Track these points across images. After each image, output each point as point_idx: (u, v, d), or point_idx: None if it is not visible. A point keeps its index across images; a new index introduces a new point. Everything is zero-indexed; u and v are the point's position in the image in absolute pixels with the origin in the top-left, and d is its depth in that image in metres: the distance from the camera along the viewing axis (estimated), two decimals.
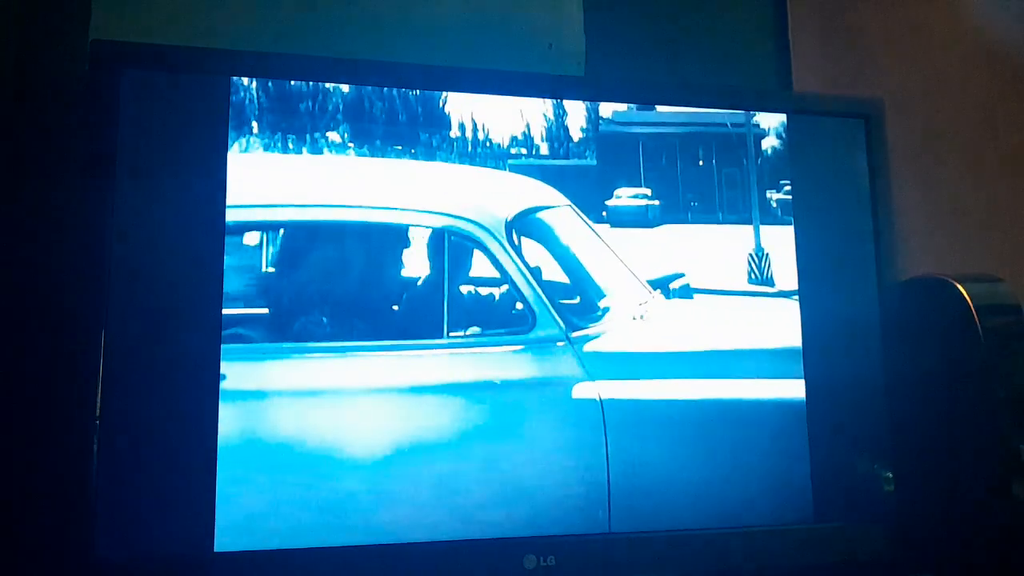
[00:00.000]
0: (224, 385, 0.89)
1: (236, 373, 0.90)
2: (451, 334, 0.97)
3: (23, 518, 0.91)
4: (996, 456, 0.97)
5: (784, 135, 1.13)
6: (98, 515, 0.84)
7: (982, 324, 0.98)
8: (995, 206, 1.25)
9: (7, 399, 0.93)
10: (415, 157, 1.00)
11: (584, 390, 0.99)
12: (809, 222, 1.11)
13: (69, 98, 0.96)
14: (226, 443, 0.89)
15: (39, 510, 0.91)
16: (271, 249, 0.95)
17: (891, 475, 1.04)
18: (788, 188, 1.12)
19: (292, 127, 0.97)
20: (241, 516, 0.88)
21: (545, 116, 1.05)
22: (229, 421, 0.89)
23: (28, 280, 0.96)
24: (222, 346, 0.90)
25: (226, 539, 0.88)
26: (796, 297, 1.08)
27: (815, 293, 1.09)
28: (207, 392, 0.89)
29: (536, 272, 1.00)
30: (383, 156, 1.00)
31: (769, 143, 1.13)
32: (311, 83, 0.98)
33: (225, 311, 0.91)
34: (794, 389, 1.06)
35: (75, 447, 0.86)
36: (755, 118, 1.13)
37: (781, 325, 1.08)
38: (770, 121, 1.13)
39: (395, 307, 0.97)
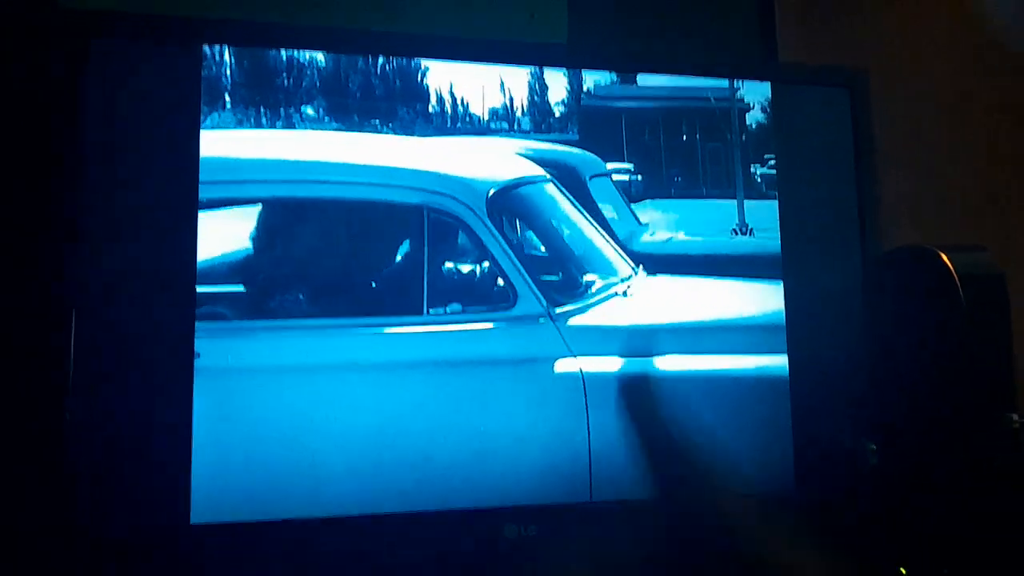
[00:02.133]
0: (199, 363, 0.88)
1: (211, 350, 0.89)
2: (431, 311, 0.95)
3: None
4: (979, 426, 0.96)
5: (768, 108, 1.12)
6: (76, 490, 0.83)
7: (965, 293, 0.97)
8: (979, 176, 1.24)
9: None
10: (393, 131, 0.99)
11: (566, 365, 0.99)
12: (793, 194, 1.10)
13: (36, 70, 0.94)
14: (202, 419, 0.88)
15: (17, 486, 0.89)
16: (247, 225, 0.93)
17: (874, 447, 1.04)
18: (772, 162, 1.11)
19: (267, 101, 0.95)
20: (218, 489, 0.88)
21: (526, 88, 1.04)
22: (205, 398, 0.88)
23: None
24: (197, 324, 0.89)
25: (202, 512, 0.87)
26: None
27: (799, 265, 1.08)
28: (182, 369, 0.88)
29: (518, 248, 0.99)
30: (360, 131, 0.98)
31: (753, 117, 1.11)
32: (286, 56, 0.97)
33: (200, 288, 0.90)
34: (777, 363, 1.05)
35: (50, 425, 0.85)
36: (739, 92, 1.12)
37: (765, 299, 1.07)
38: (754, 95, 1.12)
39: (374, 284, 0.96)
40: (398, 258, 0.97)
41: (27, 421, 0.89)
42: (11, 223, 0.94)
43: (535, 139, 1.03)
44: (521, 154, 1.03)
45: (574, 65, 1.06)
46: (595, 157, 1.05)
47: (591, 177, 1.04)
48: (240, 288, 0.92)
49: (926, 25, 1.28)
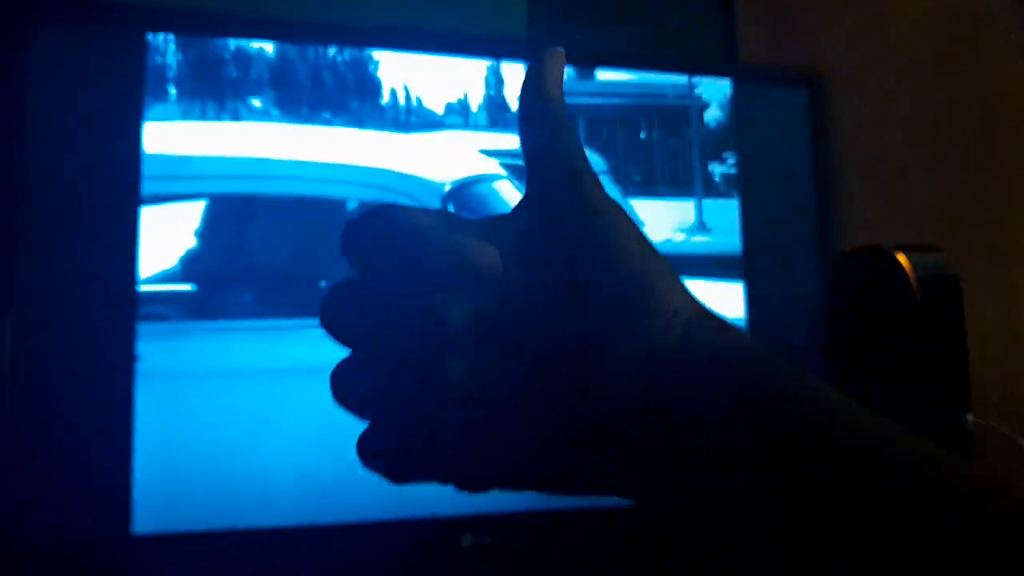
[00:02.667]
0: (141, 366, 0.84)
1: (154, 353, 0.85)
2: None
3: None
4: (935, 427, 0.97)
5: (727, 106, 1.11)
6: (3, 496, 0.79)
7: (921, 294, 0.98)
8: (938, 176, 1.25)
9: None
10: (344, 125, 0.96)
11: None
12: (753, 193, 1.09)
13: None
14: (145, 425, 0.84)
15: None
16: (191, 222, 0.90)
17: None
18: (732, 161, 1.10)
19: (213, 93, 0.92)
20: (163, 497, 0.84)
21: (482, 83, 1.01)
22: (149, 402, 0.84)
23: None
24: (139, 325, 0.85)
25: (144, 521, 0.83)
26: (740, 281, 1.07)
27: (759, 265, 1.08)
28: (122, 373, 0.84)
29: None
30: (310, 124, 0.95)
31: (712, 115, 1.10)
32: (233, 46, 0.93)
33: (141, 288, 0.86)
34: None
35: None
36: (698, 89, 1.11)
37: (724, 299, 1.06)
38: (713, 93, 1.11)
39: (322, 283, 0.93)
40: None
41: None
42: None
43: (492, 134, 1.01)
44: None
45: (532, 58, 1.03)
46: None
47: None
48: (184, 288, 0.88)
49: (886, 25, 1.29)
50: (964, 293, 0.99)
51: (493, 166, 1.00)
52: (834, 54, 1.24)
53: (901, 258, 1.01)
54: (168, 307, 0.87)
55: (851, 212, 1.18)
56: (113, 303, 0.85)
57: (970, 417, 0.96)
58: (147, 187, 0.87)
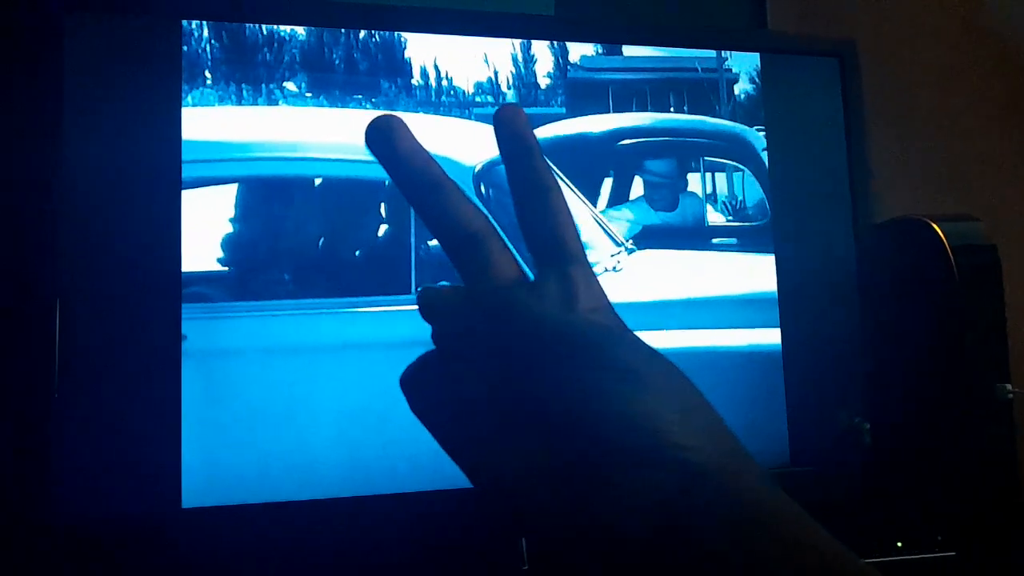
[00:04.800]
0: (186, 345, 0.87)
1: (198, 332, 0.88)
2: (419, 289, 0.94)
3: None
4: (972, 397, 0.96)
5: (757, 79, 1.10)
6: (64, 478, 0.82)
7: (957, 264, 0.97)
8: (971, 146, 1.24)
9: None
10: (376, 107, 0.97)
11: None
12: (783, 166, 1.09)
13: (7, 48, 0.91)
14: (191, 402, 0.86)
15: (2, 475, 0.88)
16: (231, 205, 0.91)
17: (868, 426, 1.04)
18: (762, 133, 1.09)
19: (248, 77, 0.93)
20: (209, 473, 0.86)
21: (512, 62, 1.02)
22: (193, 381, 0.87)
23: None
24: (183, 306, 0.87)
25: (193, 496, 0.86)
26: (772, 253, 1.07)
27: (790, 238, 1.07)
28: (168, 353, 0.86)
29: (506, 224, 0.97)
30: (343, 106, 0.96)
31: (741, 87, 1.10)
32: (267, 31, 0.94)
33: (184, 269, 0.88)
34: (770, 337, 1.05)
35: (33, 411, 0.84)
36: (727, 62, 1.10)
37: (756, 272, 1.06)
38: (743, 65, 1.10)
39: (359, 263, 0.94)
40: (385, 236, 0.96)
41: (11, 410, 0.88)
42: None
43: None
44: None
45: (561, 37, 1.04)
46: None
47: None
48: (225, 269, 0.90)
49: None
50: (1001, 262, 0.98)
51: None
52: (865, 23, 1.23)
53: (936, 228, 1.00)
54: (211, 288, 0.89)
55: (884, 183, 1.17)
56: (158, 285, 0.87)
57: (1008, 387, 0.96)
58: (187, 171, 0.89)
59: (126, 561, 0.84)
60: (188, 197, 0.89)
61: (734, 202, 1.08)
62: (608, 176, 1.05)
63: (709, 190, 1.08)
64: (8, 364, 0.89)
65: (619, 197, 1.05)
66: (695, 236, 1.06)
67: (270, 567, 0.88)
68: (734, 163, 1.08)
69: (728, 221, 1.07)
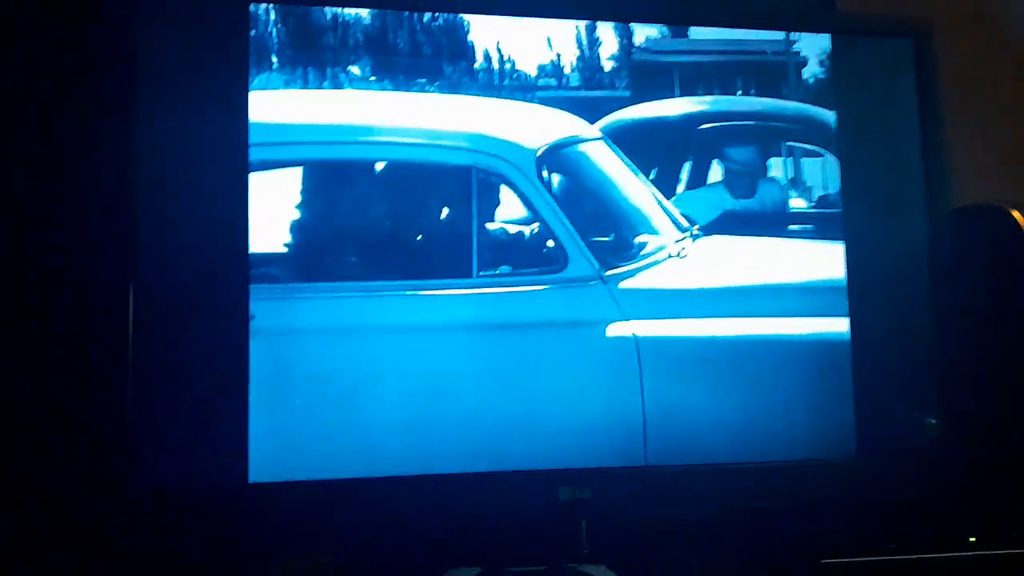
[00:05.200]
0: (254, 324, 0.88)
1: (265, 312, 0.89)
2: (480, 273, 0.94)
3: (64, 454, 0.91)
4: None
5: (827, 61, 1.07)
6: (140, 453, 0.85)
7: None
8: None
9: (44, 339, 0.93)
10: (440, 90, 0.97)
11: (619, 329, 0.97)
12: (855, 151, 1.06)
13: (85, 36, 0.94)
14: (258, 380, 0.88)
15: (78, 447, 0.91)
16: (296, 188, 0.93)
17: (935, 421, 1.01)
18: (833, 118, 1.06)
19: (314, 61, 0.94)
20: (275, 449, 0.88)
21: (575, 44, 1.01)
22: (260, 359, 0.88)
23: (54, 221, 0.95)
24: (251, 286, 0.89)
25: (260, 471, 0.88)
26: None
27: (860, 226, 1.04)
28: (237, 331, 0.88)
29: (569, 209, 0.97)
30: (407, 90, 0.97)
31: (811, 71, 1.07)
32: (331, 15, 0.95)
33: (252, 251, 0.90)
34: (838, 326, 1.02)
35: (111, 388, 0.86)
36: (796, 44, 1.07)
37: (825, 260, 1.04)
38: (812, 47, 1.07)
39: (422, 246, 0.95)
40: (447, 220, 0.96)
41: (89, 390, 0.90)
42: (64, 183, 0.94)
43: (585, 95, 1.01)
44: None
45: (625, 19, 1.02)
46: None
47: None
48: (291, 251, 0.92)
49: None
50: None
51: (585, 128, 1.00)
52: (939, 4, 1.19)
53: (1016, 215, 0.96)
54: (278, 268, 0.91)
55: (960, 168, 1.13)
56: (227, 266, 0.89)
57: None
58: (254, 154, 0.90)
59: (194, 530, 0.87)
60: (255, 180, 0.91)
61: (814, 188, 1.05)
62: (687, 161, 1.03)
63: (791, 175, 1.05)
64: (88, 346, 0.92)
65: (697, 182, 1.03)
66: (769, 223, 1.04)
67: (330, 542, 0.89)
68: (815, 147, 1.06)
69: (810, 207, 1.05)
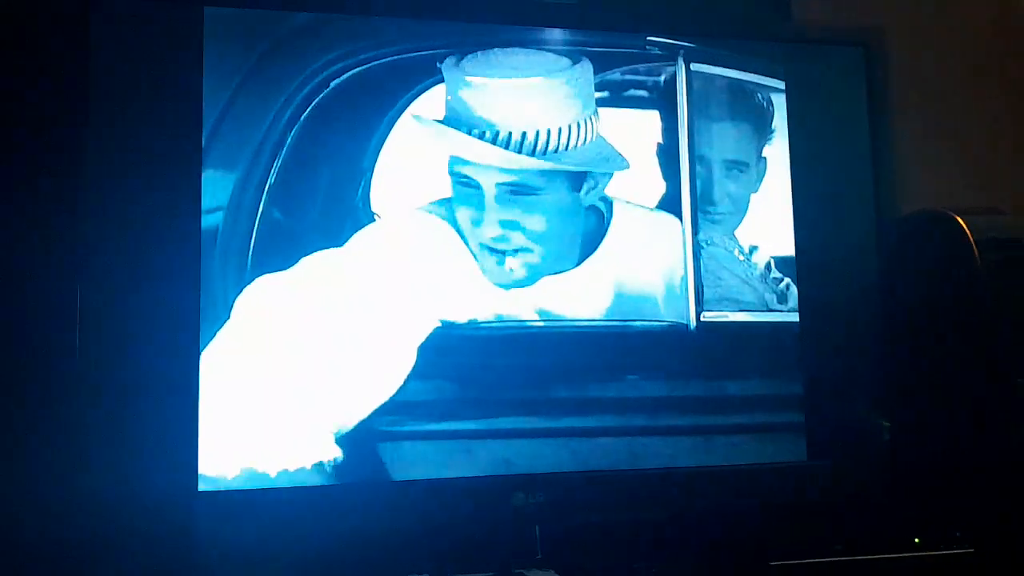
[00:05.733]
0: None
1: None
2: None
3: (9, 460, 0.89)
4: (995, 393, 0.95)
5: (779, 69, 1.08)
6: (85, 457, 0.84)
7: (982, 258, 0.95)
8: (998, 138, 1.21)
9: None
10: None
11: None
12: (805, 158, 1.07)
13: (34, 43, 0.92)
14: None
15: (25, 463, 0.89)
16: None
17: (888, 424, 1.03)
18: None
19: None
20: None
21: None
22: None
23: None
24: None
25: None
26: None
27: (811, 230, 1.06)
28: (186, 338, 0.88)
29: None
30: None
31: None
32: None
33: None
34: (789, 327, 1.04)
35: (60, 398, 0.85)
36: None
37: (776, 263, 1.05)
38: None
39: None
40: None
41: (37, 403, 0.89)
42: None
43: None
44: None
45: (585, 26, 1.03)
46: None
47: None
48: None
49: None
50: None
51: None
52: (892, 13, 1.21)
53: (961, 221, 0.98)
54: None
55: (909, 175, 1.15)
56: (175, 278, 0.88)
57: None
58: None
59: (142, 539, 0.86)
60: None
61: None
62: None
63: None
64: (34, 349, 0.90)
65: None
66: None
67: (282, 550, 0.88)
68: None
69: None
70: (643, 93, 1.03)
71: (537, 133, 0.95)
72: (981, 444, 0.96)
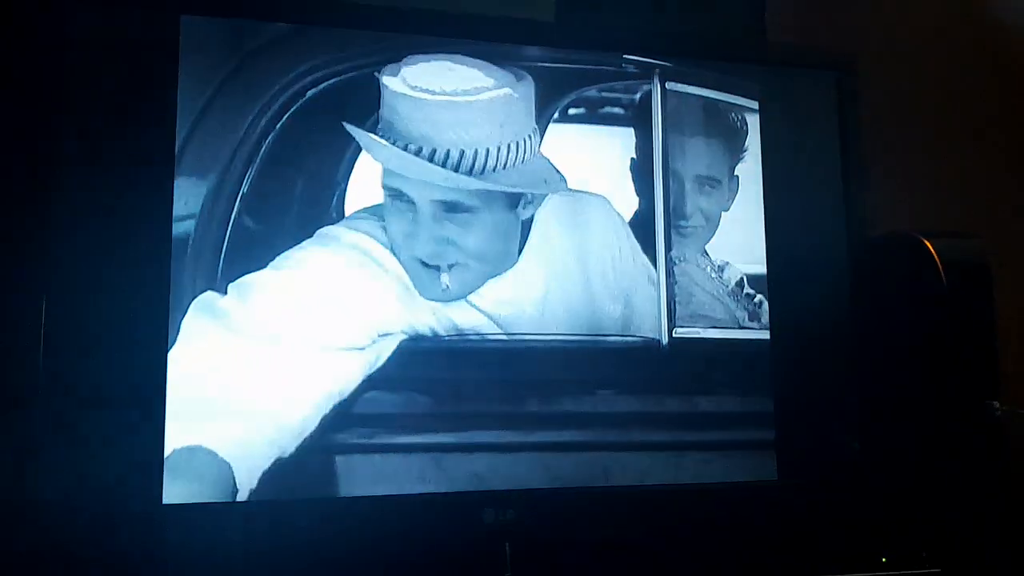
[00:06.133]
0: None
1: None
2: None
3: None
4: (962, 414, 0.96)
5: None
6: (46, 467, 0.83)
7: (948, 281, 0.97)
8: (971, 162, 1.24)
9: None
10: None
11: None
12: (778, 181, 1.08)
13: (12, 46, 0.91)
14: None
15: None
16: None
17: (857, 445, 1.04)
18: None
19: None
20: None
21: None
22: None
23: None
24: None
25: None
26: None
27: (783, 251, 1.07)
28: (155, 352, 0.86)
29: None
30: None
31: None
32: None
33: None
34: (761, 347, 1.04)
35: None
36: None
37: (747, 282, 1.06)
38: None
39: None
40: None
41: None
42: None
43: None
44: None
45: (562, 44, 1.04)
46: None
47: None
48: None
49: (921, 9, 1.27)
50: (995, 280, 0.98)
51: None
52: (864, 37, 1.23)
53: (928, 244, 1.00)
54: None
55: (881, 198, 1.16)
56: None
57: (997, 404, 0.96)
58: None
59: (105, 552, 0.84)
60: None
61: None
62: None
63: None
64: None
65: None
66: None
67: (247, 565, 0.87)
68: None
69: None
70: (618, 110, 1.05)
71: (476, 152, 0.94)
72: (948, 465, 0.97)
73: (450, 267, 0.95)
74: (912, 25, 1.28)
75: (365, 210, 0.95)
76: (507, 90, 0.97)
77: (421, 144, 0.94)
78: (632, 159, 1.04)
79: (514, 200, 0.98)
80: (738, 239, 1.06)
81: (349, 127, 0.94)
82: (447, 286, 0.95)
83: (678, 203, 1.04)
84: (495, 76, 0.98)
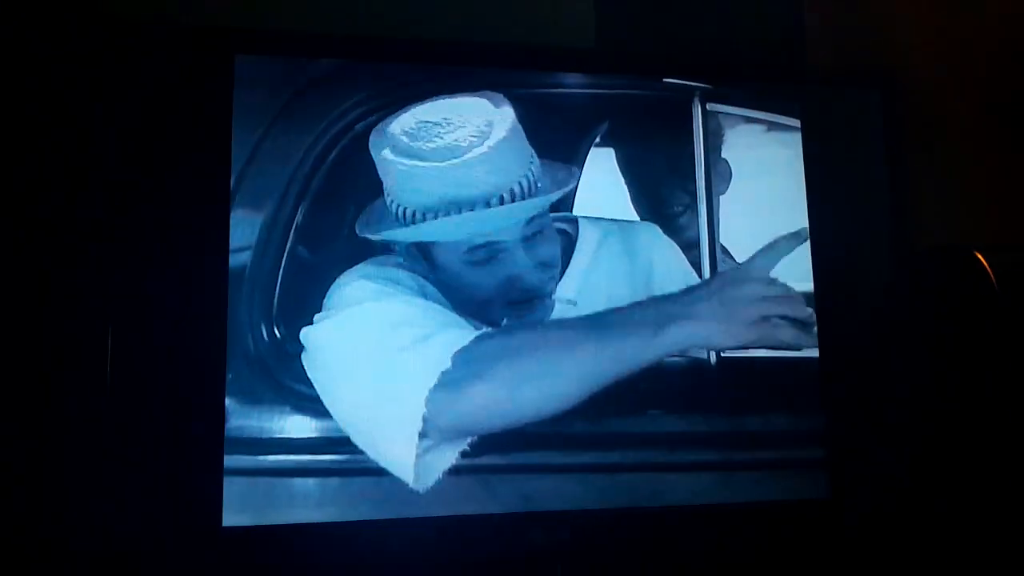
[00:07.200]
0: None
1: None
2: None
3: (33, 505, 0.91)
4: (1016, 430, 0.94)
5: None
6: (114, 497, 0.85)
7: (1001, 294, 0.95)
8: (1015, 175, 1.22)
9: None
10: None
11: None
12: (822, 198, 1.08)
13: (61, 86, 0.95)
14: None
15: (55, 493, 0.91)
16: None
17: (907, 460, 1.02)
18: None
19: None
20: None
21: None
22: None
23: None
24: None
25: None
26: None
27: (830, 266, 1.06)
28: (215, 377, 0.89)
29: None
30: None
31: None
32: None
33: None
34: (810, 364, 1.03)
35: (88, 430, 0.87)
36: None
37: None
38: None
39: None
40: None
41: (67, 428, 0.90)
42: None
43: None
44: None
45: (602, 70, 1.05)
46: None
47: None
48: None
49: (962, 19, 1.26)
50: None
51: None
52: (903, 51, 1.22)
53: (980, 257, 0.99)
54: None
55: (926, 212, 1.15)
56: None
57: None
58: None
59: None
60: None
61: None
62: None
63: None
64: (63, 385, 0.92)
65: None
66: None
67: None
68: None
69: None
70: (659, 133, 1.06)
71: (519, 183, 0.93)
72: (1006, 484, 0.95)
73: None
74: (952, 37, 1.26)
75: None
76: (508, 121, 0.94)
77: (485, 199, 0.91)
78: (675, 181, 1.05)
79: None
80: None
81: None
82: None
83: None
84: (486, 111, 0.94)
